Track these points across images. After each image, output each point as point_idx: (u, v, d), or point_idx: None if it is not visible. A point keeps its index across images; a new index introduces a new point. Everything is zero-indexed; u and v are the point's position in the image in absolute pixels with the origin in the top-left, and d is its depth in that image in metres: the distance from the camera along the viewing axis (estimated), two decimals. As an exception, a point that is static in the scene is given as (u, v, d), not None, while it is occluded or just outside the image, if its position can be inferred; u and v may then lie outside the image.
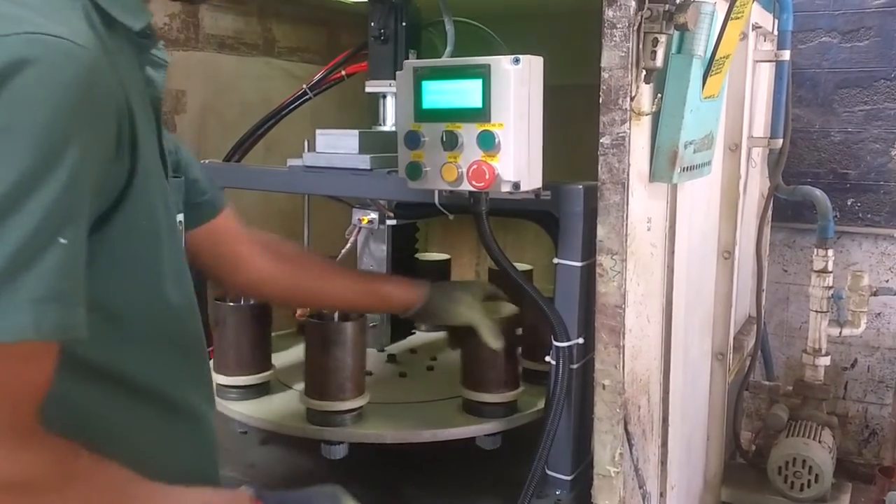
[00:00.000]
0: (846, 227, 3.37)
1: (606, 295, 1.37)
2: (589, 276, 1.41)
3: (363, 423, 1.51)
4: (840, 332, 2.36)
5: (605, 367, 1.39)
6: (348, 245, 1.67)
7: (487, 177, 1.24)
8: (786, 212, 3.25)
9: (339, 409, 1.47)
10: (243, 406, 1.60)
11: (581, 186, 1.38)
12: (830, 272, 2.32)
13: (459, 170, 1.27)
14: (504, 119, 1.24)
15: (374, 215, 1.63)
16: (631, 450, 1.45)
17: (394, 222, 1.64)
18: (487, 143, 1.24)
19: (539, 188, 1.35)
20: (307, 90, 1.81)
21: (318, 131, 1.59)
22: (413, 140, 1.31)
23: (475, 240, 2.51)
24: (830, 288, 2.31)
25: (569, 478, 1.45)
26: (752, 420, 3.29)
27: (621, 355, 1.38)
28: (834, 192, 3.40)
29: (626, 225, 1.35)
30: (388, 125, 1.70)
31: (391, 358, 1.85)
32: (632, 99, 1.32)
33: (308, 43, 2.26)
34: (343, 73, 1.79)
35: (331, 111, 2.05)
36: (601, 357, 1.39)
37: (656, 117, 1.48)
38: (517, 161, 1.26)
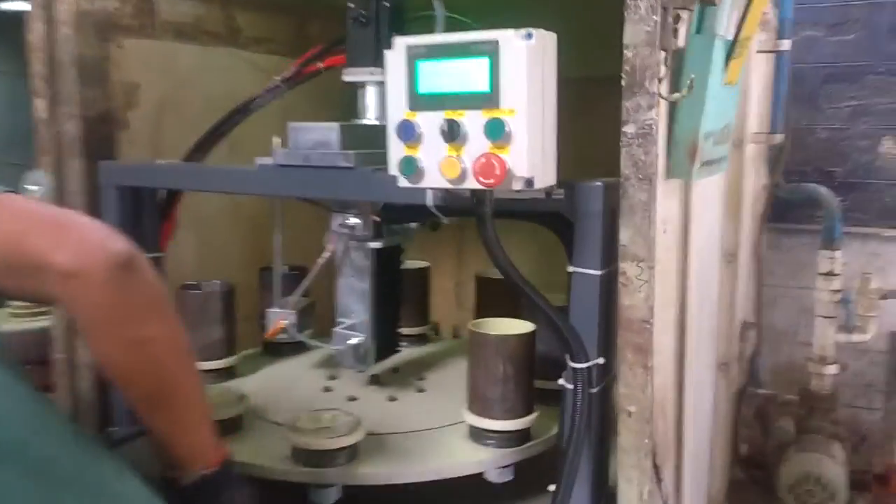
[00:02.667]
0: (832, 225, 3.23)
1: (632, 308, 1.18)
2: (609, 287, 1.21)
3: (358, 462, 1.30)
4: (850, 339, 2.20)
5: (630, 391, 1.20)
6: (326, 254, 1.46)
7: (498, 172, 1.04)
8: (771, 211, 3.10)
9: (331, 447, 1.26)
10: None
11: (600, 183, 1.18)
12: (838, 275, 2.16)
13: (462, 165, 1.07)
14: (516, 104, 1.04)
15: (356, 220, 1.42)
16: (660, 486, 1.26)
17: (379, 245, 1.44)
18: (496, 132, 1.04)
19: (552, 185, 1.15)
20: (281, 83, 1.60)
21: (291, 125, 1.38)
22: (407, 131, 1.10)
23: (455, 247, 2.31)
24: (838, 291, 2.15)
25: (588, 518, 1.25)
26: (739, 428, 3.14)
27: (649, 378, 1.19)
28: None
29: (653, 227, 1.16)
30: (369, 118, 1.49)
31: (374, 379, 1.65)
32: (660, 81, 1.13)
33: (275, 33, 2.04)
34: (320, 65, 1.58)
35: (301, 107, 1.82)
36: (626, 380, 1.20)
37: (673, 106, 1.29)
38: (531, 154, 1.06)
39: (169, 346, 1.06)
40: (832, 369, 2.18)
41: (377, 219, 1.40)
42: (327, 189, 1.37)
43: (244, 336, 1.84)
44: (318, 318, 1.67)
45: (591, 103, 1.53)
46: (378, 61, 1.44)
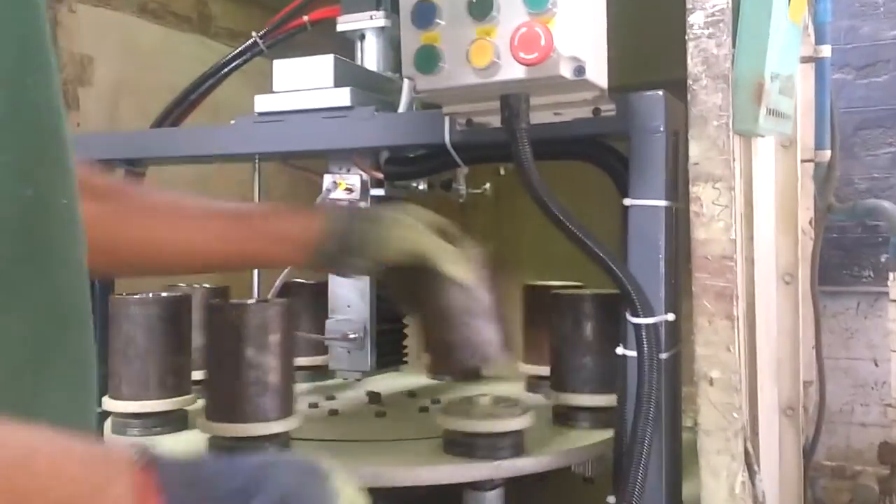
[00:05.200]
0: (881, 286, 3.09)
1: (708, 243, 1.02)
2: (675, 225, 1.06)
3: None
4: (932, 378, 2.02)
5: (711, 351, 1.02)
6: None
7: (543, 43, 0.90)
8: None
9: (254, 433, 1.08)
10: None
11: (661, 92, 1.05)
12: (912, 300, 2.01)
13: (495, 47, 0.94)
14: (561, -34, 0.92)
15: (353, 179, 1.26)
16: (753, 478, 1.06)
17: (381, 192, 1.28)
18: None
19: (603, 90, 1.01)
20: (258, 40, 1.48)
21: (276, 62, 1.25)
22: (424, 15, 0.97)
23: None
24: (915, 320, 2.00)
25: (662, 529, 1.04)
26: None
27: (736, 330, 1.01)
28: (864, 249, 3.17)
29: (731, 139, 1.02)
30: (369, 75, 1.37)
31: (374, 398, 1.45)
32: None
33: (251, 28, 1.94)
34: (305, 19, 1.47)
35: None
36: (705, 337, 1.02)
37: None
38: (581, 29, 0.93)
39: None
40: (915, 414, 1.99)
41: (380, 175, 1.25)
42: (319, 138, 1.22)
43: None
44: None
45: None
46: (380, 3, 1.34)
